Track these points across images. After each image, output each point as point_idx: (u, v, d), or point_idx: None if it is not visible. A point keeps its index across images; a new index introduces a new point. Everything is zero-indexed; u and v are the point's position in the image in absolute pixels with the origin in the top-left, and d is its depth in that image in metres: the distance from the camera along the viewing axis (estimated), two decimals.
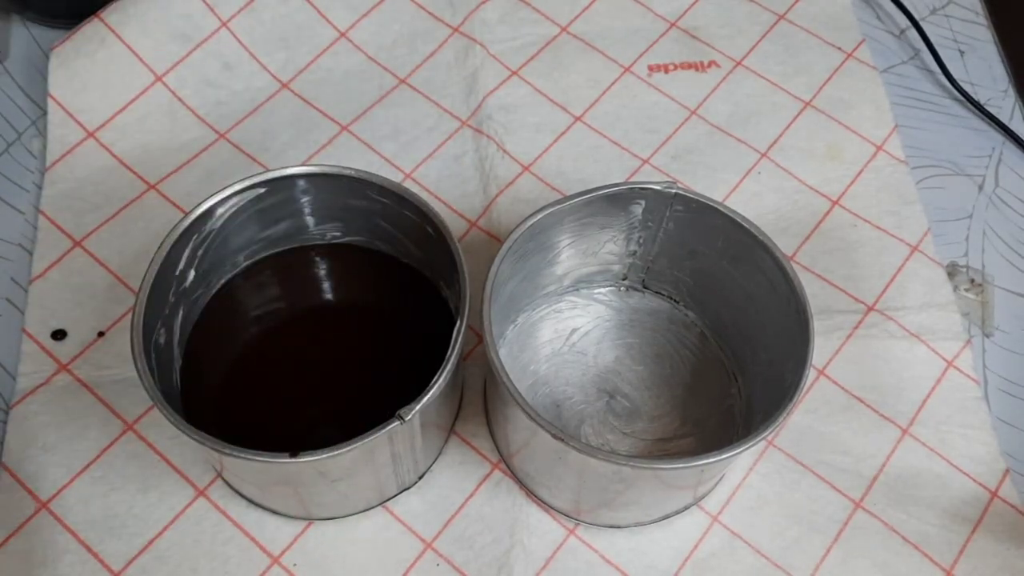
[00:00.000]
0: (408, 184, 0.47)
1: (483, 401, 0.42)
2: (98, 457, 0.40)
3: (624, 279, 0.44)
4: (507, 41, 0.53)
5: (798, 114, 0.52)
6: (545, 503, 0.40)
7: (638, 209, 0.39)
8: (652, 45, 0.54)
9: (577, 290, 0.44)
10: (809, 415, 0.43)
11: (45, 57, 0.50)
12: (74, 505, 0.39)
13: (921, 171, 0.51)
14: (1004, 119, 0.53)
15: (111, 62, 0.48)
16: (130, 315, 0.34)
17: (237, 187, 0.37)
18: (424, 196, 0.39)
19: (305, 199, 0.40)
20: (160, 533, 0.38)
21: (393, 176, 0.46)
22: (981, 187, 0.51)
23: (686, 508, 0.40)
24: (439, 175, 0.48)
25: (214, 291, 0.41)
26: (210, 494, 0.39)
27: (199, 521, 0.39)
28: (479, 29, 0.53)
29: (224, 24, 0.50)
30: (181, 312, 0.39)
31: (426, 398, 0.33)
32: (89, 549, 0.38)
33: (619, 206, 0.39)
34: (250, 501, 0.39)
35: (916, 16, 0.56)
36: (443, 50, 0.53)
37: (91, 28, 0.48)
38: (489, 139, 0.49)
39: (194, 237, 0.37)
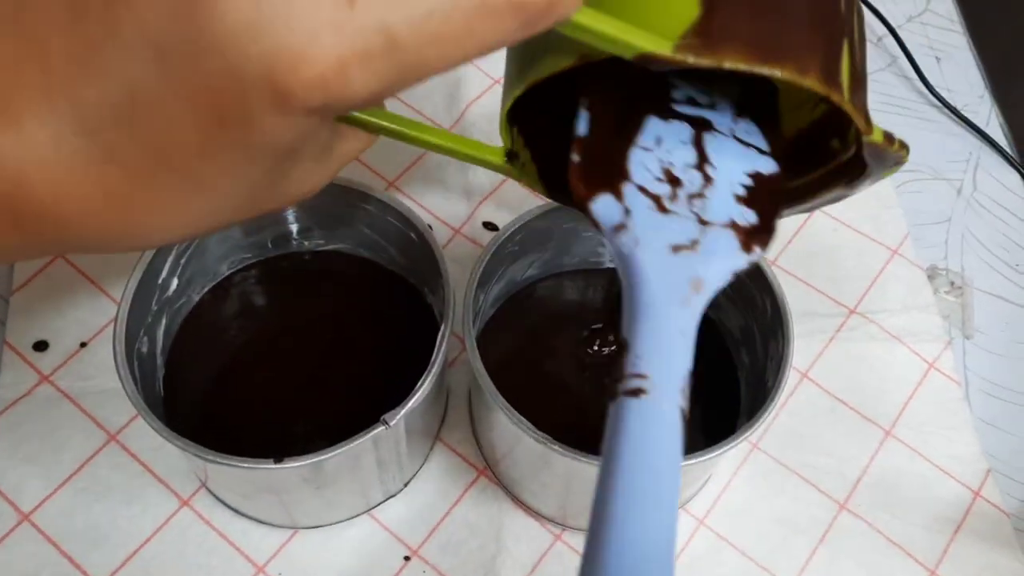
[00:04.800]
0: (391, 191, 0.47)
1: (468, 408, 0.42)
2: (81, 468, 0.40)
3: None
4: None
5: None
6: (531, 509, 0.40)
7: None
8: None
9: None
10: (793, 417, 0.43)
11: None
12: (56, 517, 0.38)
13: (900, 176, 0.52)
14: (981, 124, 0.54)
15: None
16: (112, 324, 0.34)
17: None
18: (407, 203, 0.39)
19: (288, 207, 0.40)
20: (144, 544, 0.38)
21: (376, 183, 0.46)
22: (959, 191, 0.52)
23: None
24: (422, 182, 0.49)
25: (197, 300, 0.41)
26: (194, 504, 0.39)
27: (183, 531, 0.39)
28: None
29: None
30: (164, 321, 0.39)
31: (410, 403, 0.33)
32: (72, 561, 0.38)
33: None
34: (235, 510, 0.39)
35: (893, 24, 0.56)
36: None
37: None
38: None
39: (177, 246, 0.37)
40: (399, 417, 0.32)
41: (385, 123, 0.25)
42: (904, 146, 0.26)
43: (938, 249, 0.49)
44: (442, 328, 0.34)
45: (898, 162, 0.27)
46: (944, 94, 0.54)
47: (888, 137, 0.25)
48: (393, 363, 0.40)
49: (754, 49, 0.22)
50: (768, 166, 0.27)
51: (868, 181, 0.28)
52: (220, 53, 0.16)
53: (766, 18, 0.23)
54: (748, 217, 0.26)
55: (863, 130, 0.24)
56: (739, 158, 0.27)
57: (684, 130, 0.27)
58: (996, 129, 0.54)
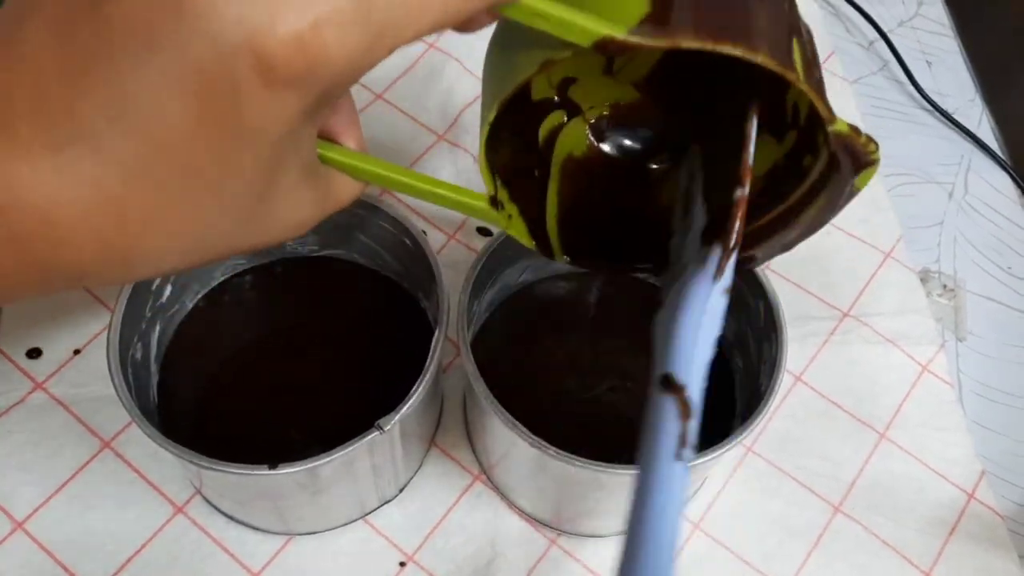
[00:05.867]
0: (386, 197, 0.47)
1: (463, 413, 0.42)
2: (75, 475, 0.39)
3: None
4: (482, 56, 0.54)
5: None
6: (526, 513, 0.40)
7: None
8: None
9: None
10: (787, 420, 0.43)
11: None
12: (50, 525, 0.38)
13: (892, 179, 0.52)
14: (972, 127, 0.54)
15: None
16: (106, 331, 0.34)
17: None
18: (401, 209, 0.39)
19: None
20: (138, 551, 0.38)
21: (371, 189, 0.46)
22: (951, 194, 0.52)
23: None
24: None
25: (191, 306, 0.41)
26: (189, 511, 0.39)
27: (178, 538, 0.38)
28: (454, 45, 0.54)
29: None
30: (158, 327, 0.39)
31: (405, 408, 0.33)
32: (66, 569, 0.37)
33: None
34: (229, 517, 0.39)
35: (884, 28, 0.57)
36: (419, 65, 0.53)
37: None
38: (465, 152, 0.50)
39: None
40: (394, 422, 0.32)
41: (371, 168, 0.27)
42: (872, 140, 0.26)
43: (930, 252, 0.50)
44: (436, 333, 0.34)
45: (870, 160, 0.27)
46: (935, 98, 0.55)
47: (854, 128, 0.26)
48: (388, 368, 0.40)
49: (705, 31, 0.22)
50: None
51: (846, 192, 0.28)
52: (203, 27, 0.17)
53: (713, 11, 0.23)
54: None
55: (824, 115, 0.25)
56: None
57: None
58: (987, 132, 0.54)
